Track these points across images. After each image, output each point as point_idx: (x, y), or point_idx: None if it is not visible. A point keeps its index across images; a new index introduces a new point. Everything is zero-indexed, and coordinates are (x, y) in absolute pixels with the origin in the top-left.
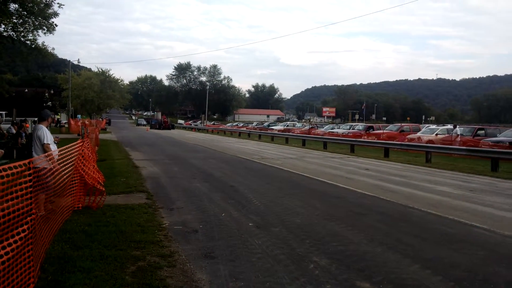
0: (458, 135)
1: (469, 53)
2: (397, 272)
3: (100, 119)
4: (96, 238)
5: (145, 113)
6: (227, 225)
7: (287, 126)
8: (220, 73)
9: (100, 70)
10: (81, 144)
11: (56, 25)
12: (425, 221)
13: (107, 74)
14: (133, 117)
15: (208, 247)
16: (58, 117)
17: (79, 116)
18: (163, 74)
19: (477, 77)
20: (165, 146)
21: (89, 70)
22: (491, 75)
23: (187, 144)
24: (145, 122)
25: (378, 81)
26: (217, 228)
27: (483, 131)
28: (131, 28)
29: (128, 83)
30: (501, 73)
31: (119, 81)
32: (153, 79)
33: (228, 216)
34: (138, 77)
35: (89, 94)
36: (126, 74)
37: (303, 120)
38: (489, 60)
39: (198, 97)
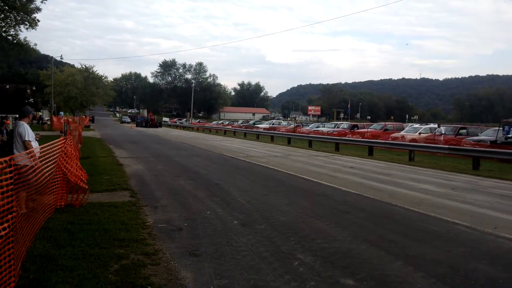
0: (441, 134)
1: (452, 53)
2: (380, 269)
3: (84, 116)
4: (79, 236)
5: (130, 111)
6: (212, 223)
7: (273, 124)
8: (205, 71)
9: (83, 66)
10: (63, 141)
11: (39, 20)
12: (408, 218)
13: (90, 71)
14: (117, 115)
15: (192, 245)
16: (40, 114)
17: (61, 113)
18: (148, 71)
19: (460, 77)
20: (150, 143)
21: (72, 66)
22: (473, 75)
23: (172, 142)
24: (129, 120)
25: (362, 80)
26: (201, 226)
27: (465, 130)
28: (115, 24)
29: (112, 80)
30: (483, 73)
31: (103, 78)
32: (137, 76)
33: (213, 214)
34: (122, 74)
35: (72, 91)
36: (110, 71)
37: (288, 119)
38: (471, 60)
39: (183, 95)
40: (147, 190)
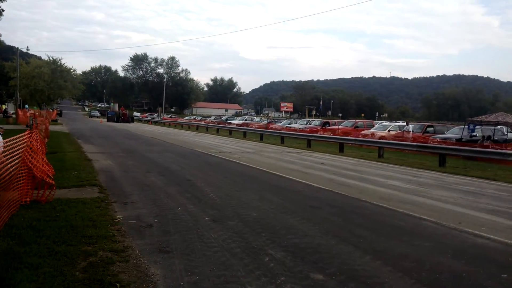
0: (409, 131)
1: (420, 53)
2: (349, 264)
3: (51, 110)
4: (44, 233)
5: (99, 105)
6: (183, 219)
7: (246, 120)
8: (178, 66)
9: (51, 58)
10: (29, 135)
11: (3, 10)
12: (376, 214)
13: (58, 63)
14: (86, 109)
15: (163, 241)
16: (5, 107)
17: (27, 106)
18: (119, 64)
19: (428, 76)
20: (120, 139)
21: (39, 58)
22: (440, 74)
23: (143, 137)
24: (98, 114)
25: (334, 77)
26: (172, 222)
27: (432, 128)
28: (85, 16)
29: (81, 73)
30: (450, 73)
31: (72, 70)
32: (107, 69)
33: (184, 210)
34: (92, 67)
35: (39, 84)
36: (79, 63)
37: (261, 115)
38: (439, 60)
39: (155, 90)
40: (116, 186)
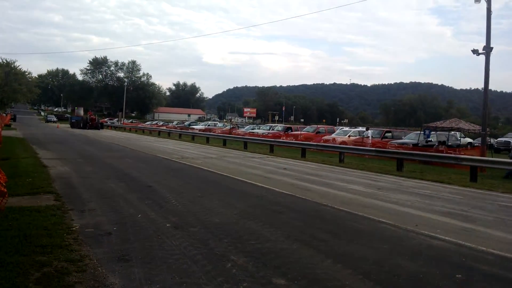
0: (368, 137)
1: (379, 61)
2: (311, 268)
3: (4, 115)
4: None
5: (56, 109)
6: (143, 226)
7: (208, 125)
8: (139, 70)
9: (4, 61)
10: None
11: None
12: (337, 218)
13: (12, 66)
14: (42, 113)
15: (122, 249)
16: None
17: None
18: (77, 68)
19: (386, 83)
20: (78, 144)
21: None
22: (398, 82)
23: (102, 143)
24: (55, 119)
25: (297, 84)
26: (132, 229)
27: (390, 134)
28: (42, 17)
29: (36, 76)
30: (406, 80)
31: (27, 73)
32: (65, 73)
33: (144, 217)
34: (48, 70)
35: None
36: (35, 66)
37: (224, 120)
38: (396, 68)
39: (115, 94)
40: (73, 193)
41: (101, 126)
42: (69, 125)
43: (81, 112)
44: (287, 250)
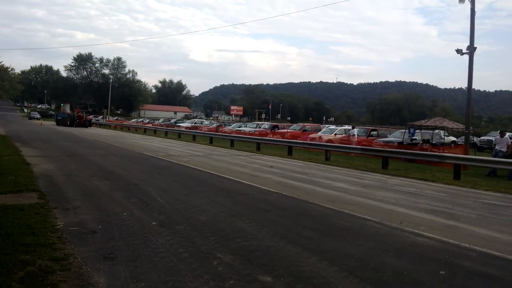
0: (354, 135)
1: (365, 59)
2: (297, 265)
3: None
4: None
5: (39, 106)
6: (129, 224)
7: (195, 123)
8: (124, 66)
9: None
10: None
11: None
12: (323, 215)
13: None
14: (25, 110)
15: (107, 248)
16: None
17: None
18: (61, 64)
19: (372, 82)
20: (62, 141)
21: None
22: (383, 80)
23: (87, 140)
24: (39, 116)
25: (284, 82)
26: (117, 228)
27: (376, 132)
28: (25, 13)
29: (19, 72)
30: (392, 79)
31: (9, 69)
32: (49, 69)
33: (130, 215)
34: (31, 67)
35: None
36: (17, 62)
37: (211, 118)
38: (382, 66)
39: (100, 91)
40: (57, 191)
41: (89, 124)
42: (54, 123)
43: (67, 109)
44: (273, 247)
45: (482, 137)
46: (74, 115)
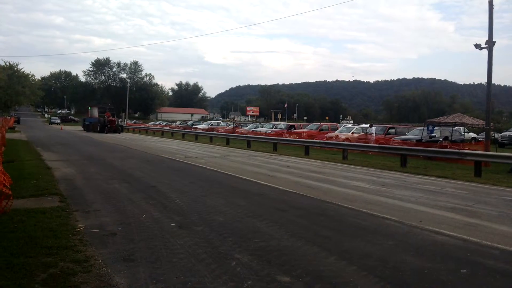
0: (371, 133)
1: (381, 57)
2: (315, 265)
3: (8, 117)
4: (1, 245)
5: (59, 111)
6: (148, 226)
7: (211, 125)
8: (141, 70)
9: (7, 64)
10: None
11: None
12: (341, 214)
13: (15, 69)
14: (46, 115)
15: (127, 249)
16: None
17: None
18: (79, 69)
19: (389, 80)
20: (81, 145)
21: None
22: (400, 78)
23: (106, 144)
24: (59, 121)
25: (299, 81)
26: (137, 230)
27: (393, 130)
28: (43, 20)
29: (40, 78)
30: (409, 76)
31: (30, 76)
32: (68, 74)
33: (149, 217)
34: (51, 73)
35: None
36: (37, 69)
37: (227, 119)
38: (398, 64)
39: (118, 95)
40: (78, 194)
41: (121, 129)
42: (76, 128)
43: (95, 112)
44: (291, 247)
45: (503, 133)
46: (105, 120)
